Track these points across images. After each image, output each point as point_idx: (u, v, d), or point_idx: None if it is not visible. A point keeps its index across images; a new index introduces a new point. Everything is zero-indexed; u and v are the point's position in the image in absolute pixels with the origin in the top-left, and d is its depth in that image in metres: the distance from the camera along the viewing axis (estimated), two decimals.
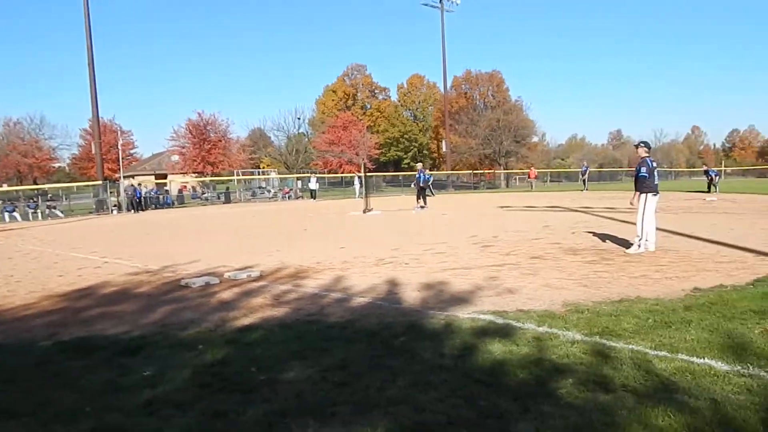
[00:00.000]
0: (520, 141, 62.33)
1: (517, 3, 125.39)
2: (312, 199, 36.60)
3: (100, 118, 37.16)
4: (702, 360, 3.51)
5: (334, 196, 41.86)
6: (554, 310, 5.05)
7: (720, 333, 4.04)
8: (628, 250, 8.53)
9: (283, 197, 40.62)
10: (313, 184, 38.38)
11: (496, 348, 3.94)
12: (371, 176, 41.96)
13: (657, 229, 8.81)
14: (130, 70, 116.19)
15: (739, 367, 3.37)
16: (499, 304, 5.40)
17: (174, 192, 41.07)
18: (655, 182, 8.59)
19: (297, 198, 40.47)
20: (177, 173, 51.25)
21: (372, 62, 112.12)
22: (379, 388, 3.30)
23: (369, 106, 77.30)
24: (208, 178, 46.87)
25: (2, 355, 4.41)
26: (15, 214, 28.19)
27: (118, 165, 41.64)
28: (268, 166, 63.02)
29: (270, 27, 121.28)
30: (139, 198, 31.97)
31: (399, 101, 79.07)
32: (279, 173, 51.90)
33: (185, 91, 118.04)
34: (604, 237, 10.47)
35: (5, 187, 38.77)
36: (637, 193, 8.56)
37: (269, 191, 43.32)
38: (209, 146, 49.68)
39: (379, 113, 75.29)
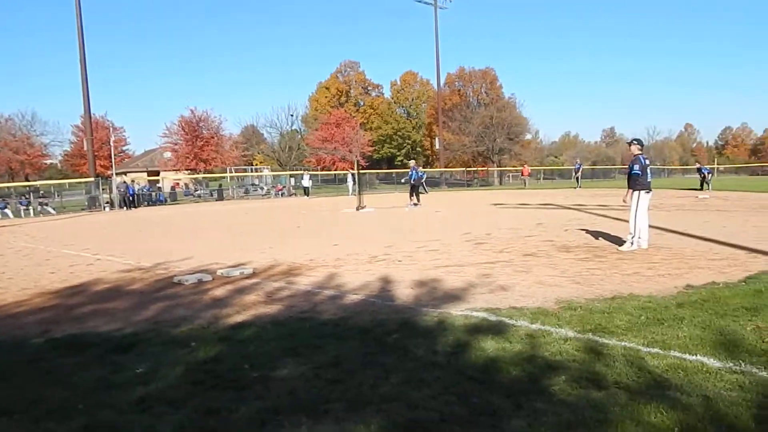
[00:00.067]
0: (514, 138, 62.44)
1: (510, 0, 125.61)
2: (305, 197, 36.51)
3: (92, 115, 36.98)
4: (694, 357, 3.52)
5: (328, 193, 41.84)
6: (547, 307, 5.06)
7: (712, 330, 4.06)
8: (620, 248, 8.56)
9: (276, 194, 40.56)
10: (306, 182, 38.24)
11: (489, 345, 3.94)
12: (364, 173, 41.94)
13: (650, 226, 8.84)
14: (122, 66, 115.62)
15: (731, 364, 3.38)
16: (492, 301, 5.40)
17: (166, 189, 40.85)
18: (648, 180, 8.63)
19: (290, 195, 40.42)
20: (169, 170, 50.90)
21: (365, 59, 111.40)
22: (372, 385, 3.30)
23: (362, 103, 77.06)
24: (200, 175, 46.71)
25: None
26: (7, 210, 28.04)
27: (111, 162, 41.43)
28: (261, 163, 62.84)
29: (263, 23, 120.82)
30: (132, 195, 31.86)
31: (392, 98, 78.93)
32: (272, 170, 51.79)
33: (178, 87, 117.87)
34: (597, 234, 10.51)
35: None
36: (630, 190, 8.60)
37: (262, 188, 43.24)
38: (202, 143, 49.37)
39: (372, 110, 75.06)
